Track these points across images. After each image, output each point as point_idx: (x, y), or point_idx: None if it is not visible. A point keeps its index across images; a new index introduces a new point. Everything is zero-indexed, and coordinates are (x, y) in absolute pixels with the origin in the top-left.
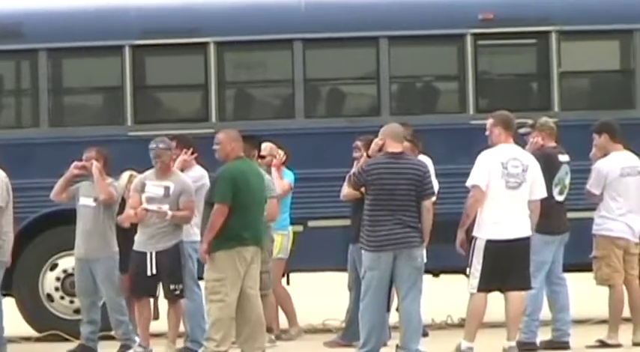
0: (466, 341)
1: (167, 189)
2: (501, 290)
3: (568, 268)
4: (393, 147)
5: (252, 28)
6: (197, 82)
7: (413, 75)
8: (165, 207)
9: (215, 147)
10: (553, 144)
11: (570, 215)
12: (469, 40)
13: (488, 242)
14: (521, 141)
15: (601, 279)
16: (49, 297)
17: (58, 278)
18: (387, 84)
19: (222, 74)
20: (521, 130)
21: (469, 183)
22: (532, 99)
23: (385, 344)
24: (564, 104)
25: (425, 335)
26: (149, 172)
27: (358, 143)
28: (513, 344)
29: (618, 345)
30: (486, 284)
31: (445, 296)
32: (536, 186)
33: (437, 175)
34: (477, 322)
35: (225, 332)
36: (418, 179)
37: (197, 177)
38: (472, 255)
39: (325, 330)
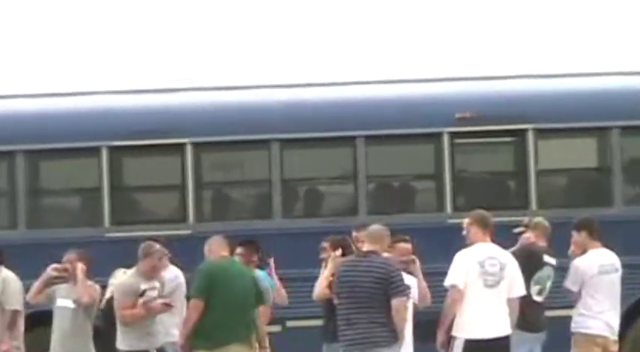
0: None
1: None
2: None
3: None
4: (367, 247)
5: (229, 129)
6: (174, 183)
7: (390, 174)
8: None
9: None
10: (544, 244)
11: (548, 313)
12: (446, 138)
13: (467, 341)
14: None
15: None
16: None
17: None
18: (364, 183)
19: (200, 175)
20: (516, 230)
21: (447, 283)
22: (509, 198)
23: None
24: (541, 202)
25: None
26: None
27: (324, 244)
28: None
29: None
30: None
31: None
32: (514, 284)
33: None
34: None
35: None
36: (384, 277)
37: (171, 278)
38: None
39: None
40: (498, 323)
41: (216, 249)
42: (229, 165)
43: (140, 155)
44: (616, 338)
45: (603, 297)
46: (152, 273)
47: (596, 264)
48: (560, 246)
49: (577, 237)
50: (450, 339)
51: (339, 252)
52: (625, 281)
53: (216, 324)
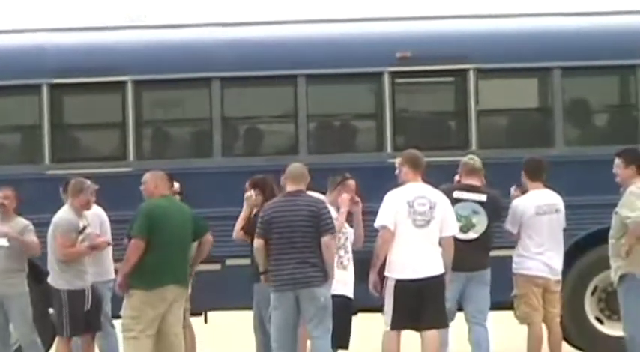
0: None
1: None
2: (416, 329)
3: (494, 306)
4: (291, 187)
5: (170, 67)
6: (115, 121)
7: (331, 113)
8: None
9: (141, 187)
10: (472, 181)
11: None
12: (387, 78)
13: (398, 281)
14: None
15: (520, 318)
16: None
17: None
18: (305, 122)
19: (140, 113)
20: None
21: (377, 224)
22: (450, 137)
23: None
24: (482, 142)
25: None
26: (69, 212)
27: (247, 185)
28: None
29: None
30: (398, 323)
31: (368, 334)
32: (445, 224)
33: None
34: None
35: None
36: (315, 215)
37: (96, 216)
38: (384, 294)
39: None
40: (429, 263)
41: (162, 186)
42: (170, 103)
43: (81, 93)
44: (558, 278)
45: (541, 238)
46: (85, 209)
47: (533, 205)
48: (501, 186)
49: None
50: (383, 280)
51: (253, 192)
52: (566, 222)
53: (155, 264)
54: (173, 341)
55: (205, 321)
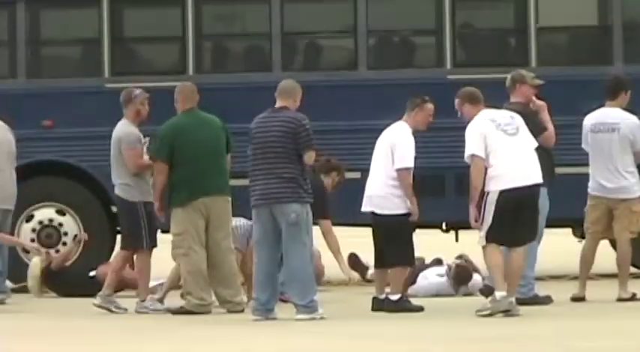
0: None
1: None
2: (509, 245)
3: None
4: (279, 103)
5: None
6: (175, 34)
7: (391, 29)
8: None
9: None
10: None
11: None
12: None
13: (502, 192)
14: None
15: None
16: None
17: (34, 230)
18: (365, 37)
19: (200, 26)
20: None
21: (467, 154)
22: (510, 54)
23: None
24: (542, 59)
25: None
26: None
27: None
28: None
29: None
30: (496, 236)
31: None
32: (528, 135)
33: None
34: (500, 272)
35: (198, 284)
36: (291, 131)
37: None
38: (484, 209)
39: None
40: (529, 171)
41: (184, 100)
42: (230, 17)
43: (140, 5)
44: (618, 196)
45: (595, 157)
46: (138, 118)
47: (589, 122)
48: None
49: None
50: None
51: None
52: None
53: (184, 180)
54: (221, 255)
55: None
